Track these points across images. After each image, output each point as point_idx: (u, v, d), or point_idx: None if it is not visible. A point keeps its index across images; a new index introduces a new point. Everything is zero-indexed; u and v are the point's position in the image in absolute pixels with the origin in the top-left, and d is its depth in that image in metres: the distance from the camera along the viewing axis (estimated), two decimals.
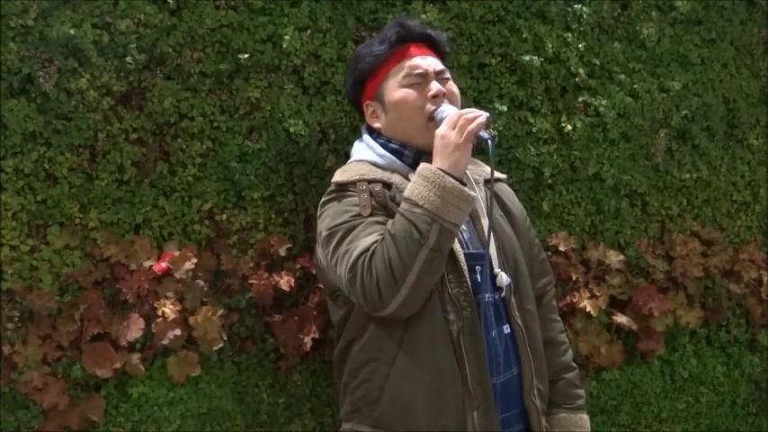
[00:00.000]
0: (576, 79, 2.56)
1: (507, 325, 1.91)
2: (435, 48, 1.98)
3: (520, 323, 1.91)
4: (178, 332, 2.06)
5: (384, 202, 1.83)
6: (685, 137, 2.77)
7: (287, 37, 2.21)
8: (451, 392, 1.79)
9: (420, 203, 1.71)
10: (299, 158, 2.24)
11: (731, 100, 2.85)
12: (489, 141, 1.77)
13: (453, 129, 1.76)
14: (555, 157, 2.53)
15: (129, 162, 2.09)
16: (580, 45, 2.57)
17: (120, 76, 2.08)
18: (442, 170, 1.73)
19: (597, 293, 2.52)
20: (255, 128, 2.21)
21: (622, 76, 2.63)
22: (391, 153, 1.92)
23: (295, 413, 2.29)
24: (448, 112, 1.83)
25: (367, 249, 1.74)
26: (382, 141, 1.95)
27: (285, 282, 2.16)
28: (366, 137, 1.99)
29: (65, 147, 2.03)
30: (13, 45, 1.97)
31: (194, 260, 2.10)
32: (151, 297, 2.07)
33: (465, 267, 1.83)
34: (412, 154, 1.91)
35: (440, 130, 1.79)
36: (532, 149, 2.49)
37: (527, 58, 2.47)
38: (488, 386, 1.81)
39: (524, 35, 2.49)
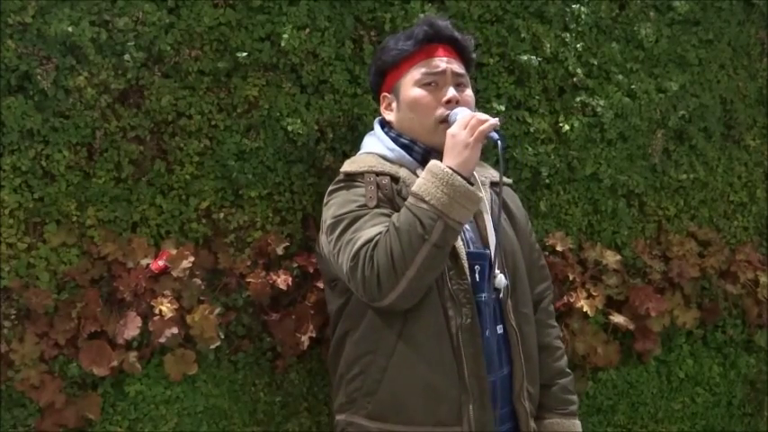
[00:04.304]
0: (574, 79, 2.56)
1: (501, 326, 1.92)
2: (461, 52, 1.99)
3: (514, 325, 1.93)
4: (175, 330, 2.06)
5: (390, 195, 1.86)
6: (682, 137, 2.77)
7: (285, 35, 2.20)
8: (449, 386, 1.81)
9: (427, 199, 1.73)
10: (297, 157, 2.24)
11: (728, 101, 2.85)
12: (499, 142, 1.80)
13: (465, 128, 1.79)
14: (552, 156, 2.53)
15: (126, 160, 2.09)
16: (578, 45, 2.57)
17: (118, 73, 2.07)
18: (451, 168, 1.75)
19: (594, 293, 2.52)
20: (253, 126, 2.21)
21: (620, 77, 2.64)
22: (401, 147, 1.94)
23: (292, 412, 2.29)
24: (462, 114, 1.85)
25: (370, 240, 1.76)
26: (393, 135, 1.97)
27: (282, 280, 2.16)
28: (378, 130, 2.01)
29: (62, 144, 2.03)
30: (11, 42, 1.96)
31: (191, 258, 2.10)
32: (148, 295, 2.07)
33: (466, 265, 1.85)
34: (421, 150, 1.93)
35: (452, 130, 1.81)
36: (530, 149, 2.50)
37: (525, 57, 2.48)
38: (485, 381, 1.83)
39: (522, 35, 2.49)
